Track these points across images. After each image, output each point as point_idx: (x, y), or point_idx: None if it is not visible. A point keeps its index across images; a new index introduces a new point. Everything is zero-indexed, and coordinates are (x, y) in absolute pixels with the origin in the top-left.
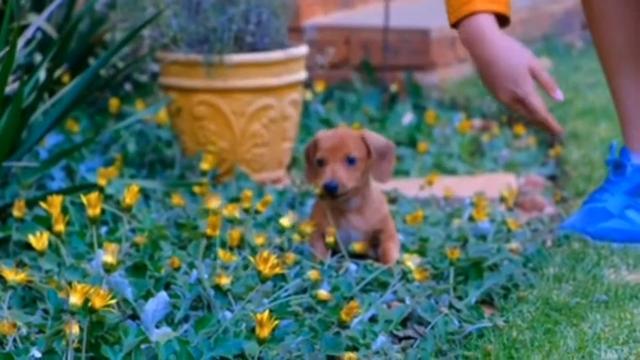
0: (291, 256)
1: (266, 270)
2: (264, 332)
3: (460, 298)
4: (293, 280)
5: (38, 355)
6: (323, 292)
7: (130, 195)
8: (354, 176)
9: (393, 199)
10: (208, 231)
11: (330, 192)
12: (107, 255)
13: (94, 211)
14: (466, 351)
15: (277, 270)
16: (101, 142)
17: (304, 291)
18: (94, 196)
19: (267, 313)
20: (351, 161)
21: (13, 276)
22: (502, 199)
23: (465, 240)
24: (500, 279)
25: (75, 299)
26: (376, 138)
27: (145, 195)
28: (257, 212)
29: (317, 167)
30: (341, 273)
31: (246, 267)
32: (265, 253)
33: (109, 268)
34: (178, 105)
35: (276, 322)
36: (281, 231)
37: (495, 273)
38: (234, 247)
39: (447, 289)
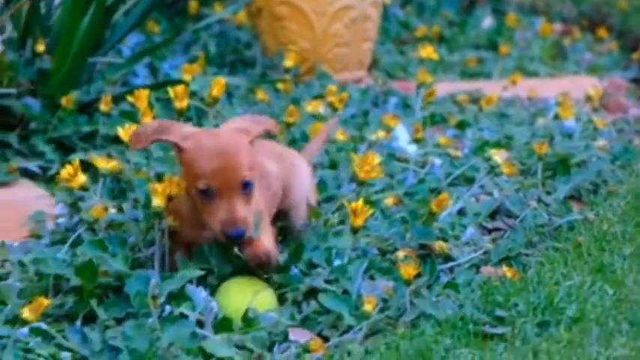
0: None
1: (362, 174)
2: (359, 221)
3: (549, 193)
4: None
5: (132, 240)
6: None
7: (216, 87)
8: (253, 205)
9: (475, 100)
10: (289, 119)
11: (236, 240)
12: None
13: (181, 104)
14: (556, 243)
15: (375, 174)
16: (182, 42)
17: (391, 187)
18: (180, 88)
19: (361, 202)
20: (247, 186)
21: (105, 164)
22: (588, 99)
23: (551, 138)
24: (588, 175)
25: (157, 201)
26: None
27: (228, 93)
28: (336, 109)
29: (198, 195)
30: (427, 167)
31: (333, 164)
32: (365, 158)
33: None
34: (259, 5)
35: (370, 211)
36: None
37: (583, 169)
38: None
39: (536, 184)
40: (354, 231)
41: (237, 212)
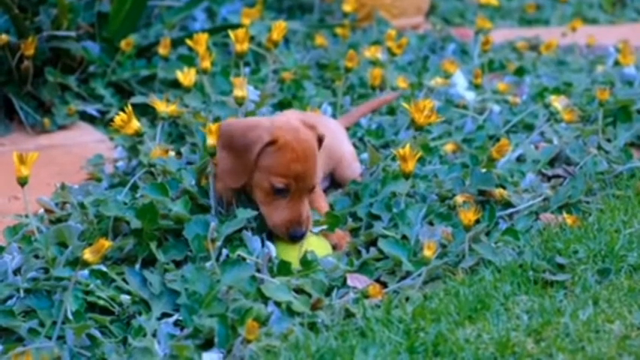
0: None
1: (421, 119)
2: (409, 166)
3: (609, 141)
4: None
5: (192, 182)
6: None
7: (276, 31)
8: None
9: (533, 46)
10: (348, 64)
11: (296, 240)
12: (237, 89)
13: (241, 47)
14: (617, 190)
15: (434, 118)
16: None
17: (449, 134)
18: (241, 31)
19: (408, 147)
20: (313, 189)
21: (164, 108)
22: None
23: (611, 85)
24: None
25: (212, 140)
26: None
27: (286, 38)
28: (394, 55)
29: (269, 190)
30: (485, 114)
31: (391, 110)
32: (421, 103)
33: (240, 102)
34: None
35: (419, 154)
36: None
37: None
38: (375, 87)
39: (596, 131)
40: (406, 177)
41: (302, 215)
